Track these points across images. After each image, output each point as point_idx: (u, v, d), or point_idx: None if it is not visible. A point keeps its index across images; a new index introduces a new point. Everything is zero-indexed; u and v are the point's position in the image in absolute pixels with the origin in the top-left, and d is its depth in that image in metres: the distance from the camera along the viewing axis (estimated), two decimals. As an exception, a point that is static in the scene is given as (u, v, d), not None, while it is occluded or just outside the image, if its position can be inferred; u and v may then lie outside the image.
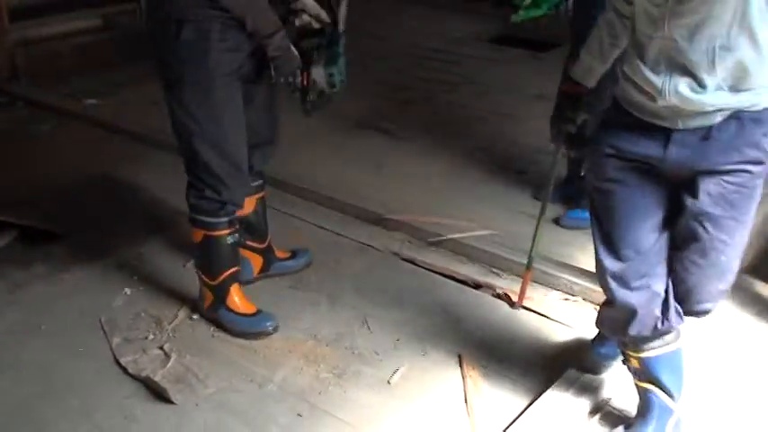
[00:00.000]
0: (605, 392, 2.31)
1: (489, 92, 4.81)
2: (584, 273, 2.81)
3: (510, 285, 2.83)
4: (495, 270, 2.93)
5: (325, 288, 2.83)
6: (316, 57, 2.42)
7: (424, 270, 2.95)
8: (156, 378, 2.35)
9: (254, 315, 2.58)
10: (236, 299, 2.57)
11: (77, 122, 4.37)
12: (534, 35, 5.71)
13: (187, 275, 2.85)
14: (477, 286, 2.85)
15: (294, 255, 2.93)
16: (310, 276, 2.89)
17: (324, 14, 2.42)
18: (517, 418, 2.18)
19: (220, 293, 2.55)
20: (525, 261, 2.74)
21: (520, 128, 4.14)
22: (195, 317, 2.65)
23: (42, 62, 4.93)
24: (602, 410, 2.26)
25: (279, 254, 2.87)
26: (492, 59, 5.46)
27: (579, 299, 2.76)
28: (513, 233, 3.14)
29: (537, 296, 2.77)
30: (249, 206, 2.67)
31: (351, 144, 4.05)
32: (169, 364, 2.42)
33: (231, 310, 2.56)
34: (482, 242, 3.03)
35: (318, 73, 2.44)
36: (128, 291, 2.79)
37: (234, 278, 2.56)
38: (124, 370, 2.40)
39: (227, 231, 2.49)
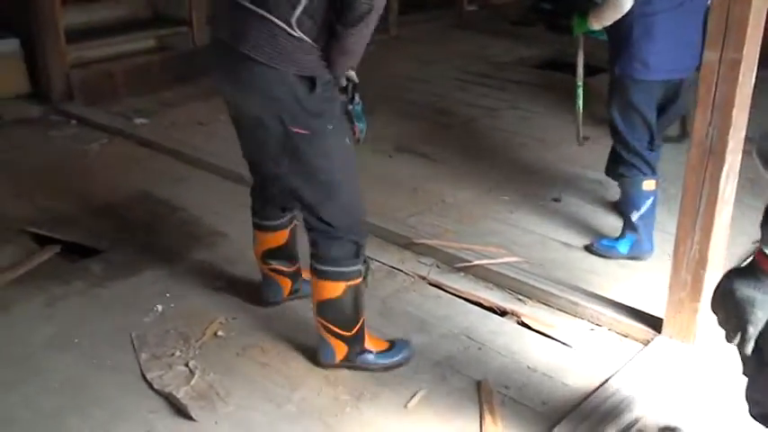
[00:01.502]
0: (621, 427, 2.29)
1: (532, 117, 4.82)
2: (611, 303, 2.79)
3: (534, 313, 2.82)
4: (521, 297, 2.92)
5: (351, 310, 2.86)
6: (354, 112, 2.49)
7: (450, 295, 2.96)
8: (179, 395, 2.40)
9: (390, 348, 2.56)
10: (369, 342, 2.53)
11: (126, 141, 4.50)
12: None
13: (216, 294, 2.92)
14: (503, 313, 2.85)
15: None
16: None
17: (353, 73, 2.47)
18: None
19: (357, 342, 2.50)
20: (551, 289, 2.77)
21: (558, 154, 4.13)
22: (221, 334, 2.71)
23: (97, 82, 5.11)
24: (618, 443, 2.24)
25: (305, 275, 2.92)
26: (537, 84, 5.47)
27: (605, 329, 2.73)
28: (542, 260, 3.15)
29: (562, 325, 2.76)
30: (283, 236, 2.72)
31: (388, 167, 4.10)
32: (193, 381, 2.48)
33: (371, 352, 2.53)
34: (509, 269, 3.03)
35: (359, 127, 2.51)
36: (159, 307, 2.86)
37: (365, 321, 2.52)
38: (149, 385, 2.46)
39: (362, 278, 2.46)
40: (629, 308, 2.77)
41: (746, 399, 1.76)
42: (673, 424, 2.32)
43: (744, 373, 1.68)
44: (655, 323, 2.64)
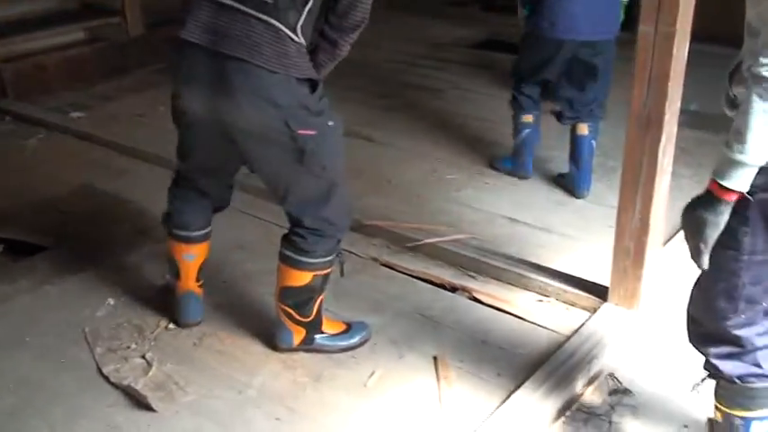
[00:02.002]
0: (574, 392, 2.37)
1: (473, 97, 4.88)
2: (558, 274, 2.88)
3: (485, 288, 2.89)
4: (471, 273, 2.98)
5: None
6: None
7: (401, 275, 3.01)
8: (138, 386, 2.40)
9: (349, 329, 2.60)
10: (326, 324, 2.57)
11: (64, 136, 4.42)
12: (517, 40, 5.78)
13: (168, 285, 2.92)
14: (454, 289, 2.91)
15: None
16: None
17: None
18: (486, 419, 2.23)
19: (315, 326, 2.53)
20: (500, 264, 2.85)
21: (500, 132, 4.20)
22: (173, 326, 2.70)
23: (29, 77, 4.99)
24: (571, 409, 2.32)
25: None
26: (476, 65, 5.53)
27: (552, 300, 2.81)
28: (490, 236, 3.21)
29: (511, 297, 2.83)
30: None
31: (333, 152, 4.11)
32: (150, 373, 2.47)
33: (328, 335, 2.57)
34: (459, 246, 3.09)
35: None
36: (111, 301, 2.84)
37: (322, 304, 2.55)
38: (106, 379, 2.45)
39: (332, 267, 2.49)
40: (575, 278, 2.85)
41: (687, 320, 1.95)
42: (623, 387, 2.42)
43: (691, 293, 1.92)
44: (600, 292, 2.73)
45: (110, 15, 5.56)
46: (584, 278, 2.84)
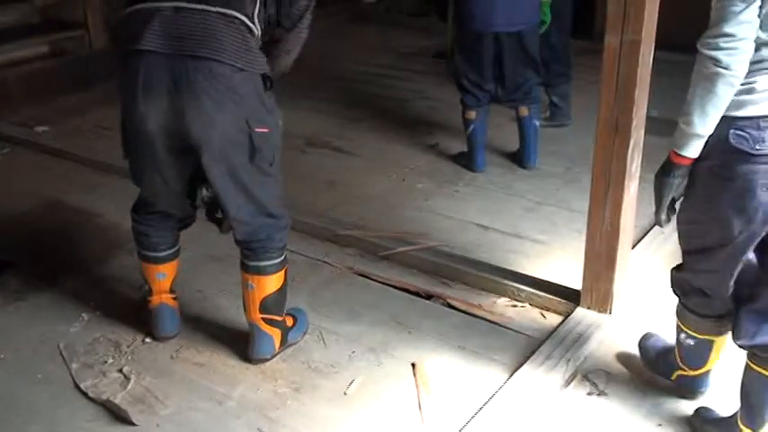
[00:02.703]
0: (550, 392, 2.42)
1: (439, 106, 4.93)
2: (530, 280, 2.93)
3: (459, 294, 2.93)
4: (444, 280, 3.02)
5: (281, 305, 2.89)
6: None
7: (377, 283, 3.03)
8: (117, 401, 2.38)
9: (296, 320, 2.68)
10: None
11: (29, 150, 4.38)
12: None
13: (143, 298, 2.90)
14: (429, 296, 2.94)
15: None
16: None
17: None
18: (466, 424, 2.26)
19: (285, 324, 2.59)
20: (473, 270, 2.90)
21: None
22: (149, 340, 2.69)
23: (-9, 92, 4.93)
24: (546, 411, 2.36)
25: None
26: (440, 74, 5.58)
27: (526, 305, 2.86)
28: (462, 243, 3.25)
29: (486, 303, 2.87)
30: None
31: (303, 162, 4.13)
32: (129, 387, 2.46)
33: (291, 328, 2.63)
34: (432, 254, 3.13)
35: None
36: (85, 316, 2.82)
37: None
38: (84, 394, 2.43)
39: None
40: (547, 283, 2.90)
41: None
42: (598, 388, 2.46)
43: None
44: (573, 296, 2.78)
45: (72, 28, 5.51)
46: (557, 283, 2.89)
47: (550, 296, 2.83)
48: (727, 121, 1.78)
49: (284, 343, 2.58)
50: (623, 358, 2.60)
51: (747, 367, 2.06)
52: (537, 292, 2.86)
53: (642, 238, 3.19)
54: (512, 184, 3.86)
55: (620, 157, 2.49)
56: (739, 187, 1.82)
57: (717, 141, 1.82)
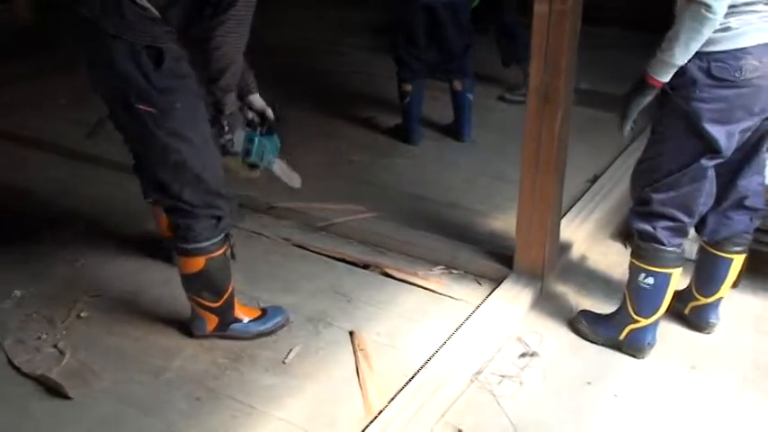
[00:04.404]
0: (486, 356, 2.48)
1: (376, 80, 4.94)
2: (465, 247, 2.99)
3: (396, 263, 2.97)
4: (381, 250, 3.06)
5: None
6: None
7: (314, 254, 3.05)
8: (52, 375, 2.36)
9: (263, 316, 2.60)
10: (240, 311, 2.56)
11: (-46, 127, 4.25)
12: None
13: (79, 273, 2.87)
14: (366, 266, 2.97)
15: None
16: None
17: (270, 112, 2.60)
18: (403, 388, 2.31)
19: (226, 312, 2.51)
20: (409, 239, 2.93)
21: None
22: (84, 315, 2.67)
23: None
24: (484, 373, 2.43)
25: None
26: (377, 48, 5.58)
27: (461, 271, 2.92)
28: (400, 213, 3.28)
29: (422, 271, 2.92)
30: None
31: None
32: (64, 362, 2.44)
33: (242, 321, 2.56)
34: (368, 224, 3.17)
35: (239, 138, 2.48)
36: (17, 293, 2.77)
37: (233, 290, 2.52)
38: (18, 370, 2.41)
39: (225, 248, 2.42)
40: (482, 250, 2.97)
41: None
42: (531, 350, 2.54)
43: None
44: (507, 261, 2.85)
45: (-3, 2, 5.36)
46: (491, 250, 2.96)
47: (485, 262, 2.90)
48: (707, 57, 2.05)
49: (221, 329, 2.54)
50: (555, 320, 2.68)
51: (703, 250, 2.53)
52: (472, 259, 2.92)
53: (573, 205, 3.27)
54: (447, 156, 3.92)
55: (549, 125, 2.54)
56: (723, 108, 2.09)
57: (701, 74, 2.06)
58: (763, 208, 2.44)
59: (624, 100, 2.21)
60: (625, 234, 3.08)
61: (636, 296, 2.43)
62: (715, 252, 2.49)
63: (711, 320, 2.59)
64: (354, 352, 2.50)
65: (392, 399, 2.27)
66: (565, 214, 3.10)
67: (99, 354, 2.49)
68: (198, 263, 2.39)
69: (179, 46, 2.17)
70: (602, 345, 2.54)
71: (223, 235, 2.41)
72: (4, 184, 3.58)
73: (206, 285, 2.45)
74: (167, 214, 2.38)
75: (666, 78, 2.10)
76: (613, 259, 3.04)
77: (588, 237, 3.14)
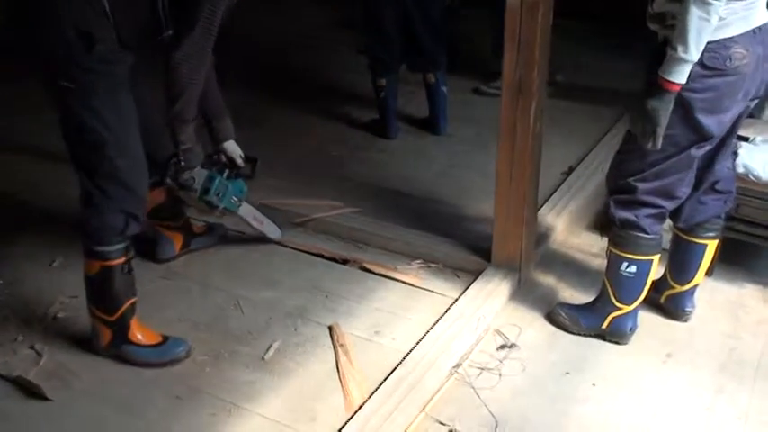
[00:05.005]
0: (465, 349, 2.50)
1: (351, 76, 4.93)
2: (443, 241, 3.00)
3: (374, 258, 2.98)
4: (359, 245, 3.06)
5: (197, 275, 2.89)
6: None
7: (293, 251, 3.05)
8: (29, 377, 2.35)
9: (161, 344, 2.46)
10: (138, 332, 2.43)
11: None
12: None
13: (56, 274, 2.86)
14: (344, 261, 2.98)
15: (210, 229, 3.08)
16: (181, 265, 2.95)
17: (240, 160, 2.72)
18: (383, 382, 2.32)
19: (121, 329, 2.40)
20: (387, 234, 2.94)
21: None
22: (61, 315, 2.65)
23: None
24: (463, 365, 2.44)
25: (196, 229, 3.03)
26: (353, 43, 5.57)
27: (440, 265, 2.93)
28: (376, 208, 3.29)
29: (400, 266, 2.93)
30: (159, 195, 2.70)
31: (215, 134, 4.09)
32: (42, 363, 2.42)
33: (135, 344, 2.42)
34: (347, 219, 3.17)
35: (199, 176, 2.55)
36: (-7, 295, 2.76)
37: (133, 310, 2.41)
38: (-6, 372, 2.40)
39: (123, 259, 2.32)
40: (459, 243, 2.98)
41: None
42: (509, 342, 2.56)
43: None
44: (484, 254, 2.86)
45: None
46: (469, 243, 2.97)
47: (463, 255, 2.91)
48: None
49: (113, 347, 2.41)
50: (533, 312, 2.70)
51: (677, 237, 2.56)
52: (450, 252, 2.94)
53: (549, 197, 3.29)
54: (423, 150, 3.93)
55: (523, 117, 2.56)
56: (713, 97, 2.12)
57: (695, 65, 2.06)
58: (733, 191, 2.50)
59: (649, 113, 2.11)
60: (601, 224, 3.10)
61: (617, 284, 2.46)
62: (688, 239, 2.52)
63: (687, 308, 2.62)
64: (334, 347, 2.51)
65: (372, 393, 2.28)
66: (541, 206, 3.12)
67: (77, 354, 2.48)
68: (92, 267, 2.32)
69: (129, 52, 2.19)
70: (585, 335, 2.56)
71: (123, 246, 2.32)
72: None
73: (100, 294, 2.36)
74: (82, 207, 2.30)
75: (683, 79, 2.05)
76: (590, 250, 3.06)
77: (565, 228, 3.16)
